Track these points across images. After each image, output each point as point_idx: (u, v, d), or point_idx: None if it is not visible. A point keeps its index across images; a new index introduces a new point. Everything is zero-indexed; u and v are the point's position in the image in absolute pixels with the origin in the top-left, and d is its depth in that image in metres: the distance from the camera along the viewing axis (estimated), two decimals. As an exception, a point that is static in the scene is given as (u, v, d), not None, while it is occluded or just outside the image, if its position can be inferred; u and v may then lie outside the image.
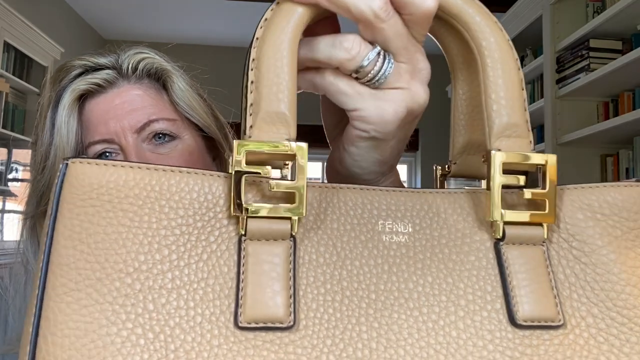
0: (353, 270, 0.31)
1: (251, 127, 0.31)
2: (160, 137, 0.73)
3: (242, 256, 0.29)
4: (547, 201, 0.34)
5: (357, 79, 0.35)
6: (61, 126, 0.71)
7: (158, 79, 0.76)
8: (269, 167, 0.30)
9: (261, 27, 0.32)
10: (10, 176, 3.57)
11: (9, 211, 3.65)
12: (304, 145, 0.31)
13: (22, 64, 3.61)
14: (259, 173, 0.30)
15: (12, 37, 3.34)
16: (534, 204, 0.34)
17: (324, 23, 0.37)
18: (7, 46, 3.34)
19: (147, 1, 4.45)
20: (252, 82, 0.31)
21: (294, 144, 0.31)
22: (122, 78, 0.74)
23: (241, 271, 0.29)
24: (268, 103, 0.31)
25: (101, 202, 0.28)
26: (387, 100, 0.36)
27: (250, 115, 0.31)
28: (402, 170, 5.79)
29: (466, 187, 0.42)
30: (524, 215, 0.33)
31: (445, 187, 0.43)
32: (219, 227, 0.30)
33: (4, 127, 3.34)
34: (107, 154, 0.72)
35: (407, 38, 0.36)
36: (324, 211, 0.32)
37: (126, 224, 0.28)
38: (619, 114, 2.72)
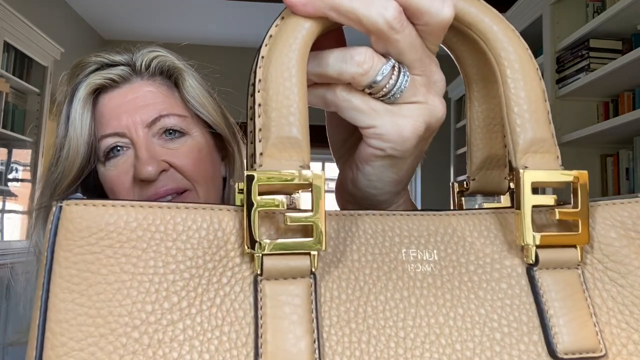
0: (378, 306, 0.29)
1: (261, 154, 0.28)
2: (171, 132, 0.75)
3: (259, 298, 0.26)
4: (580, 221, 0.31)
5: (370, 94, 0.33)
6: (75, 119, 0.73)
7: (170, 77, 0.79)
8: (282, 198, 0.27)
9: (266, 45, 0.29)
10: (10, 176, 3.54)
11: (9, 211, 3.64)
12: (321, 173, 0.28)
13: (22, 64, 3.57)
14: (274, 206, 0.27)
15: (12, 37, 3.31)
16: (564, 224, 0.32)
17: (329, 35, 0.34)
18: (7, 46, 3.31)
19: (147, 1, 4.40)
20: (259, 104, 0.29)
21: (309, 173, 0.28)
22: (136, 74, 0.77)
23: (259, 315, 0.26)
24: (279, 127, 0.28)
25: (101, 247, 0.25)
26: (404, 116, 0.33)
27: (260, 141, 0.28)
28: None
29: (485, 205, 0.40)
30: (557, 238, 0.31)
31: (464, 205, 0.41)
32: (231, 267, 0.27)
33: (4, 127, 3.31)
34: (119, 147, 0.74)
35: (422, 49, 0.33)
36: (343, 242, 0.30)
37: (130, 271, 0.25)
38: (619, 114, 2.69)
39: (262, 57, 0.29)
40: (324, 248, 0.27)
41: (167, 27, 4.85)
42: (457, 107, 4.55)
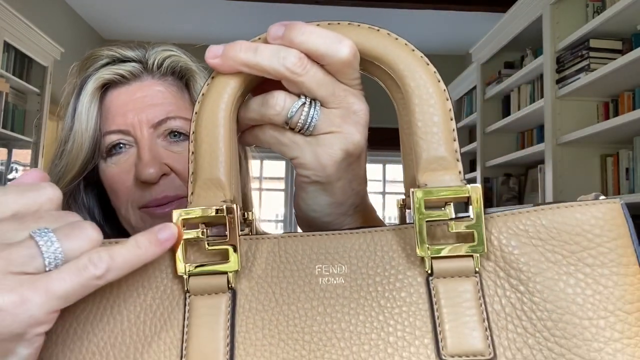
0: (290, 314, 0.34)
1: (192, 193, 0.34)
2: (176, 134, 0.73)
3: (186, 310, 0.33)
4: (475, 232, 0.34)
5: (292, 129, 0.38)
6: (82, 112, 0.72)
7: (181, 78, 0.77)
8: (205, 229, 0.34)
9: (199, 102, 0.36)
10: (10, 176, 3.57)
11: (9, 211, 3.67)
12: (234, 206, 0.34)
13: (22, 64, 3.60)
14: (196, 236, 0.34)
15: (12, 37, 3.34)
16: (462, 235, 0.35)
17: (269, 80, 0.39)
18: (7, 46, 3.34)
19: (147, 1, 4.43)
20: (192, 152, 0.35)
21: (224, 206, 0.34)
22: (147, 72, 0.75)
23: (185, 324, 0.32)
24: (204, 171, 0.35)
25: None
26: (321, 145, 0.38)
27: (191, 182, 0.34)
28: (398, 169, 5.64)
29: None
30: (451, 249, 0.34)
31: (407, 218, 0.44)
32: (170, 286, 0.35)
33: (4, 127, 3.33)
34: (121, 145, 0.72)
35: (334, 85, 0.38)
36: (265, 261, 0.36)
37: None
38: (619, 114, 2.71)
39: (196, 112, 0.36)
40: (237, 268, 0.34)
41: (167, 27, 4.86)
42: (456, 106, 4.59)
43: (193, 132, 0.36)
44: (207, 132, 0.35)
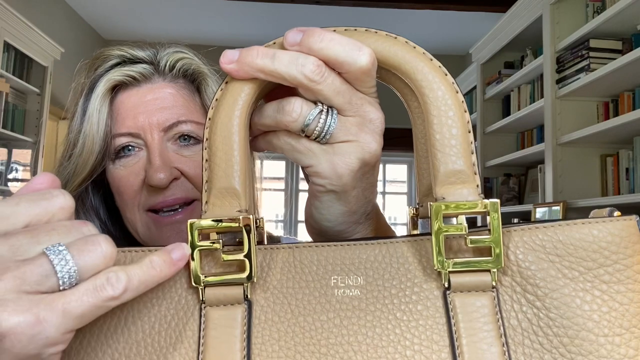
0: (306, 326, 0.34)
1: (206, 202, 0.34)
2: (186, 138, 0.72)
3: (202, 322, 0.33)
4: (492, 246, 0.34)
5: (307, 137, 0.38)
6: (92, 114, 0.71)
7: (193, 81, 0.76)
8: (221, 240, 0.33)
9: (212, 108, 0.35)
10: (10, 176, 3.56)
11: (9, 211, 3.67)
12: (250, 216, 0.34)
13: (22, 64, 3.59)
14: (211, 246, 0.33)
15: (12, 37, 3.33)
16: (480, 250, 0.35)
17: (280, 87, 0.39)
18: (7, 46, 3.33)
19: (147, 1, 4.42)
20: (206, 160, 0.34)
21: (241, 216, 0.34)
22: (158, 74, 0.74)
23: (201, 335, 0.32)
24: (219, 180, 0.34)
25: None
26: (337, 154, 0.38)
27: (206, 191, 0.34)
28: (402, 170, 5.65)
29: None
30: (469, 263, 0.34)
31: (418, 227, 0.44)
32: (185, 296, 0.34)
33: (4, 127, 3.32)
34: (131, 147, 0.71)
35: (351, 93, 0.37)
36: (281, 271, 0.35)
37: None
38: (619, 114, 2.73)
39: (209, 119, 0.35)
40: (254, 279, 0.33)
41: (167, 27, 4.85)
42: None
43: (207, 139, 0.35)
44: (222, 140, 0.34)
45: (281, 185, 5.59)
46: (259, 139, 0.40)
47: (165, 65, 0.74)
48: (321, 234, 0.43)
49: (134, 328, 0.33)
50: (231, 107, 0.35)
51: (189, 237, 0.33)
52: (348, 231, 0.42)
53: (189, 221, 0.33)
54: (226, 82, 0.36)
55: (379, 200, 5.49)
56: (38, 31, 3.58)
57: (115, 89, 0.73)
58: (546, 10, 3.03)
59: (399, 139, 3.21)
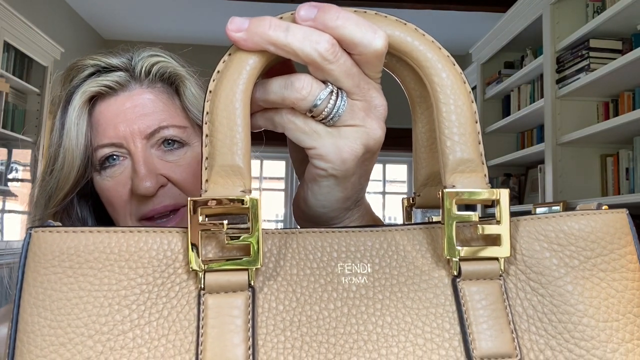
0: (313, 315, 0.32)
1: (207, 181, 0.32)
2: (170, 143, 0.72)
3: (201, 310, 0.30)
4: (501, 235, 0.34)
5: (312, 117, 0.36)
6: (70, 128, 0.70)
7: (171, 84, 0.75)
8: (225, 221, 0.31)
9: (214, 80, 0.33)
10: (10, 176, 3.56)
11: (9, 211, 3.66)
12: (257, 197, 0.32)
13: (22, 64, 3.59)
14: (214, 227, 0.31)
15: (12, 37, 3.33)
16: (489, 238, 0.34)
17: (280, 63, 0.38)
18: (7, 46, 3.33)
19: (147, 1, 4.41)
20: (206, 135, 0.32)
21: (247, 197, 0.32)
22: (135, 81, 0.72)
23: (201, 325, 0.30)
24: (222, 157, 0.32)
25: (62, 268, 0.29)
26: (343, 138, 0.36)
27: (206, 169, 0.32)
28: (402, 170, 5.61)
29: (434, 218, 0.42)
30: (479, 251, 0.33)
31: (412, 218, 0.44)
32: (179, 283, 0.32)
33: (4, 127, 3.32)
34: (115, 157, 0.71)
35: (360, 76, 0.36)
36: (284, 257, 0.34)
37: (87, 288, 0.30)
38: (619, 114, 2.74)
39: (210, 91, 0.33)
40: (260, 265, 0.31)
41: (167, 27, 4.85)
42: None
43: (207, 113, 0.32)
44: (226, 115, 0.32)
45: (281, 185, 5.58)
46: (258, 115, 0.38)
47: (141, 70, 0.73)
48: (312, 219, 0.41)
49: (119, 317, 0.30)
50: (235, 80, 0.33)
51: (190, 215, 0.31)
52: (339, 217, 0.41)
53: (190, 198, 0.31)
54: (229, 54, 0.34)
55: (379, 200, 5.50)
56: (38, 31, 3.57)
57: (93, 99, 0.72)
58: (546, 10, 3.03)
59: (399, 139, 3.20)
